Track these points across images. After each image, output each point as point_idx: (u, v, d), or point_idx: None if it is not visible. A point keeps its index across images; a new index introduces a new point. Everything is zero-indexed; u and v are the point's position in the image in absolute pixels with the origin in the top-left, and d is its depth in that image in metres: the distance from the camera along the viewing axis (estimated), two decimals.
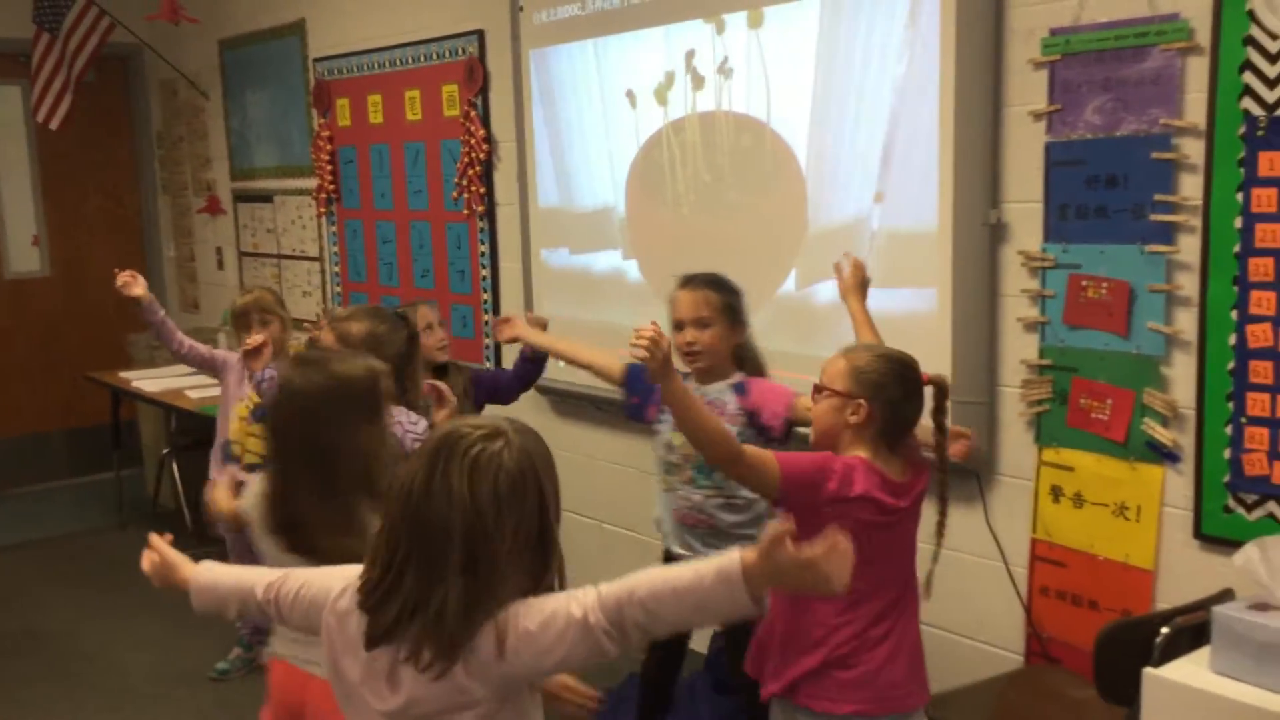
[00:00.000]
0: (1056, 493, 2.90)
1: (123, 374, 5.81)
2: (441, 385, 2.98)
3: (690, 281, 2.91)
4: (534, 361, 3.61)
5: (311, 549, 2.06)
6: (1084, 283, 2.78)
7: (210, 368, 4.16)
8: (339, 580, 1.72)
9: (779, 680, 2.32)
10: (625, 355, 3.08)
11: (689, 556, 2.85)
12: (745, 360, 2.96)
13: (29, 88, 6.01)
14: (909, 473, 2.29)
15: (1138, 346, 2.70)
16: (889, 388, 2.25)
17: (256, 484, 2.27)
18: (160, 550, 1.96)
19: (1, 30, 6.18)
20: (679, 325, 2.88)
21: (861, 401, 2.24)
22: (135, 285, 3.94)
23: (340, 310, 3.14)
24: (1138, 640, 2.30)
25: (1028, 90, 2.85)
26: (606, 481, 4.21)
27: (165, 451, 5.71)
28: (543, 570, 1.60)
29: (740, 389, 2.90)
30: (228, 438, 3.62)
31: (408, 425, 2.75)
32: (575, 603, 1.55)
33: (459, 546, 1.54)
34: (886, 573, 2.27)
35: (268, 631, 2.28)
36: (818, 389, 2.32)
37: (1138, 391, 2.71)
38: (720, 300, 2.87)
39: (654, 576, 1.54)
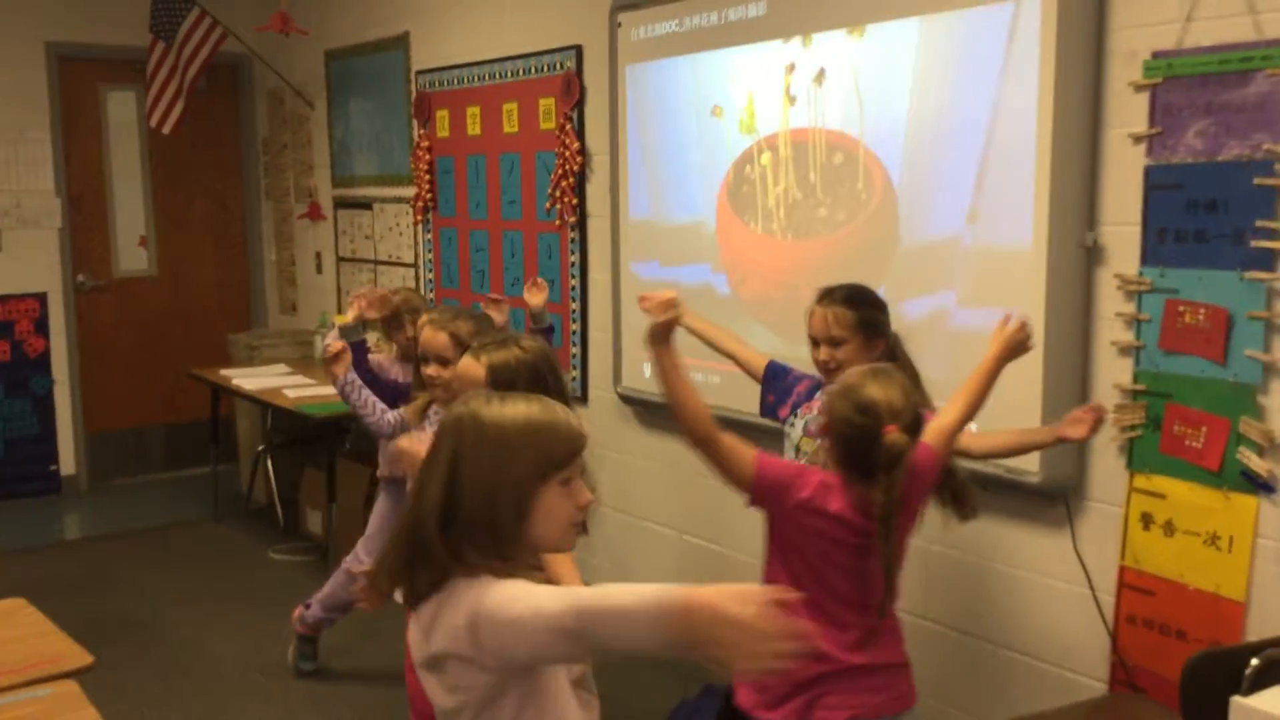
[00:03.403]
0: (1147, 520, 2.86)
1: (223, 371, 5.99)
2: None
3: (825, 297, 2.83)
4: (548, 331, 3.82)
5: None
6: (1181, 308, 2.75)
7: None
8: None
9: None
10: (769, 355, 3.16)
11: None
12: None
13: (143, 93, 6.24)
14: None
15: (1234, 374, 2.66)
16: (839, 430, 2.31)
17: None
18: None
19: (120, 38, 6.43)
20: (815, 342, 2.82)
21: (825, 438, 2.36)
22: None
23: (437, 314, 3.24)
24: (1227, 670, 2.25)
25: (1128, 112, 2.83)
26: (687, 492, 4.24)
27: (260, 449, 5.88)
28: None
29: None
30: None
31: None
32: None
33: None
34: (862, 598, 2.32)
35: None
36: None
37: (1233, 420, 2.67)
38: (854, 317, 2.77)
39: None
